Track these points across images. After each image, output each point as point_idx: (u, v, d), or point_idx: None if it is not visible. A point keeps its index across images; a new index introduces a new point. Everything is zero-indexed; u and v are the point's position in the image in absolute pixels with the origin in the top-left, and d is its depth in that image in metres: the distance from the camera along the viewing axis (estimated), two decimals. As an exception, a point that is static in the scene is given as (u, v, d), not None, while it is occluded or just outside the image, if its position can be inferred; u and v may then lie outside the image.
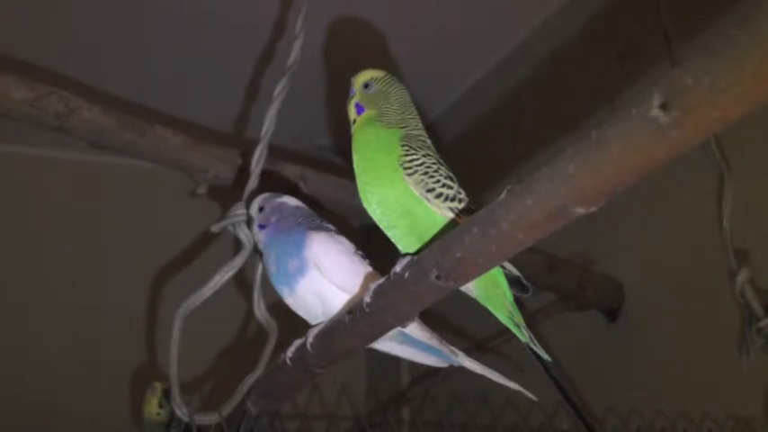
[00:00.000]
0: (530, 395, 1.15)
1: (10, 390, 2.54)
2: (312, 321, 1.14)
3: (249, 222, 1.24)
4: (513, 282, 1.04)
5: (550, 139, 2.11)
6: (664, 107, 0.59)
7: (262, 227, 1.21)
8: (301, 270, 1.12)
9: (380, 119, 1.07)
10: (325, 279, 1.11)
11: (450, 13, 2.39)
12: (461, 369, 1.18)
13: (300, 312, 1.16)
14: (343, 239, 1.16)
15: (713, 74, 0.56)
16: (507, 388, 1.15)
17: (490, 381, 1.15)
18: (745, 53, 0.54)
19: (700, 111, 0.58)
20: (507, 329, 1.06)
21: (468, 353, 1.20)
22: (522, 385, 1.14)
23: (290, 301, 1.15)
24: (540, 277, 1.84)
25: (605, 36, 2.16)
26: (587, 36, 2.21)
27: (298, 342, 1.13)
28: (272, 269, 1.17)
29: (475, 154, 2.59)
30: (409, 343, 1.17)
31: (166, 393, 1.79)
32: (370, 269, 1.14)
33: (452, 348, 1.16)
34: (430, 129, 1.11)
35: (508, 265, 1.02)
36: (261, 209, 1.22)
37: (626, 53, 2.08)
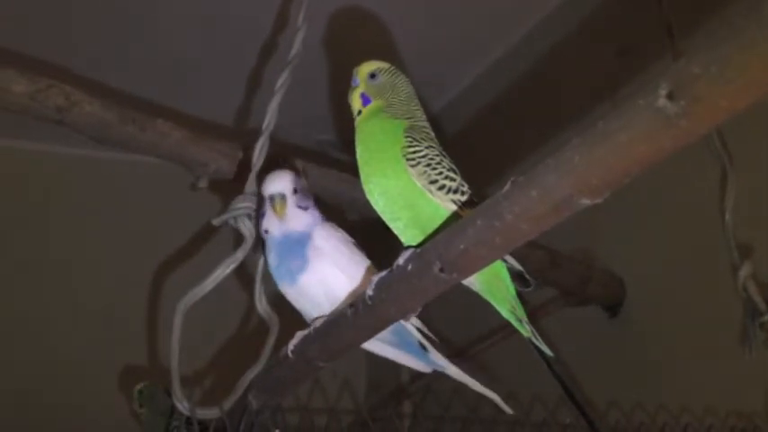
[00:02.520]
0: (506, 408, 1.18)
1: (9, 387, 2.54)
2: (314, 312, 1.14)
3: (277, 201, 1.14)
4: (515, 276, 1.03)
5: (552, 134, 2.11)
6: (671, 97, 0.58)
7: (303, 207, 1.15)
8: (304, 265, 1.12)
9: (387, 110, 1.06)
10: (327, 265, 1.11)
11: (451, 7, 2.38)
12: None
13: (300, 304, 1.16)
14: (343, 231, 1.17)
15: (720, 63, 0.55)
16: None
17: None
18: (753, 42, 0.54)
19: (707, 100, 0.57)
20: (509, 324, 1.05)
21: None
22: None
23: (291, 291, 1.15)
24: (541, 272, 1.84)
25: (606, 30, 2.16)
26: (588, 30, 2.21)
27: (300, 334, 1.13)
28: (273, 260, 1.16)
29: (477, 149, 2.59)
30: (398, 345, 1.17)
31: (141, 393, 1.82)
32: (368, 262, 1.15)
33: (440, 355, 1.18)
34: (433, 122, 1.11)
35: (510, 259, 1.01)
36: (295, 190, 1.15)
37: (626, 48, 2.08)
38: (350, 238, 1.17)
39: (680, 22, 1.70)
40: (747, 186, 1.68)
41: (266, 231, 1.18)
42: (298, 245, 1.14)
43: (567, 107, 2.20)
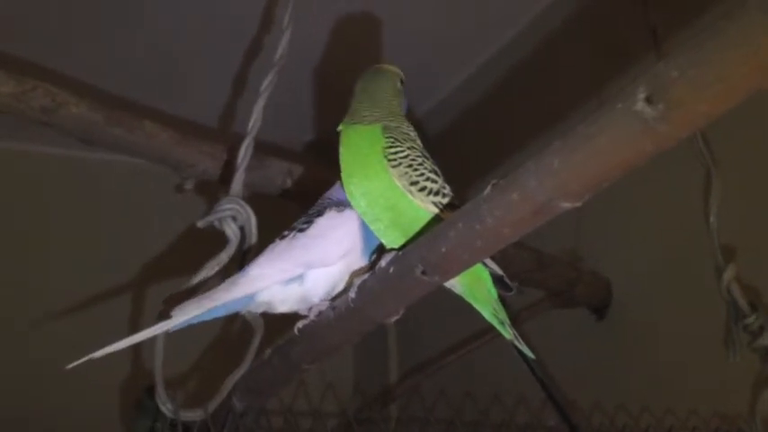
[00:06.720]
0: None
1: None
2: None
3: None
4: (496, 280, 1.03)
5: (537, 136, 2.11)
6: (649, 101, 0.58)
7: None
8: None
9: (359, 112, 1.06)
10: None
11: (439, 9, 2.38)
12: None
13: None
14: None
15: (698, 66, 0.55)
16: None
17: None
18: (732, 46, 0.54)
19: (686, 104, 0.57)
20: (492, 327, 1.05)
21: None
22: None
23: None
24: (528, 274, 1.84)
25: (593, 32, 2.16)
26: (575, 32, 2.21)
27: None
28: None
29: (461, 150, 2.59)
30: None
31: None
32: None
33: None
34: (418, 124, 1.10)
35: (491, 264, 1.01)
36: None
37: (614, 50, 2.08)
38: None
39: (668, 23, 1.70)
40: (732, 188, 1.69)
41: None
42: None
43: (553, 109, 2.20)
